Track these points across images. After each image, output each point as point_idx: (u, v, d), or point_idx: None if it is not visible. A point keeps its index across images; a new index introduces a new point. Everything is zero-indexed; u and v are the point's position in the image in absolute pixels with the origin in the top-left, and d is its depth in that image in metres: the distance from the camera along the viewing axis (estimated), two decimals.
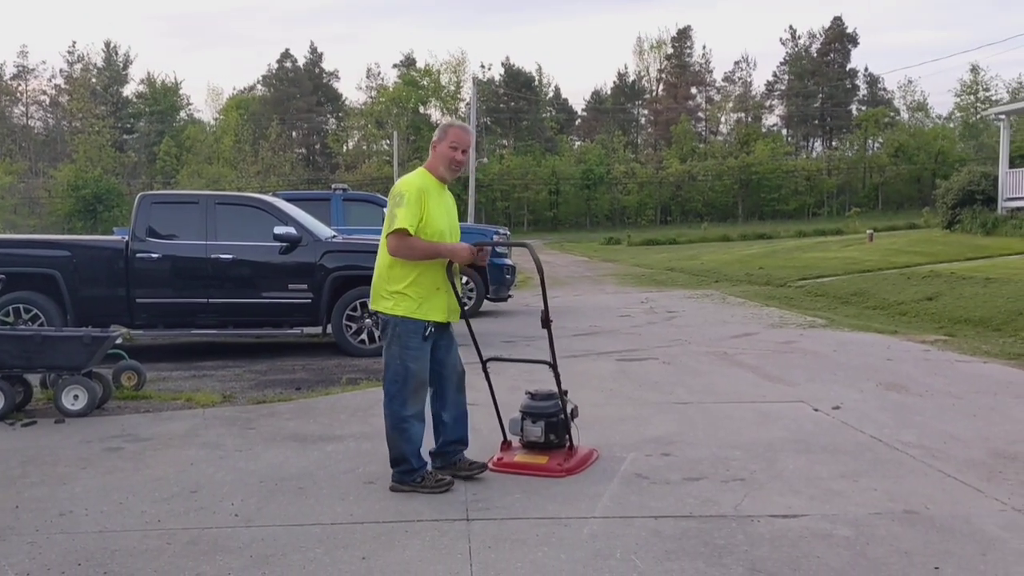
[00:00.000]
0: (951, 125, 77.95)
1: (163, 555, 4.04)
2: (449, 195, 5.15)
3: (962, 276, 15.24)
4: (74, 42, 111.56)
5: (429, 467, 5.04)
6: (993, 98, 72.27)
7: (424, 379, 4.95)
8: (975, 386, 7.70)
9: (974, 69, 76.04)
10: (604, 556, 3.95)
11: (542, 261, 5.24)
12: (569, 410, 5.36)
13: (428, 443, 5.24)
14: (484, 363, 5.39)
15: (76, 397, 6.96)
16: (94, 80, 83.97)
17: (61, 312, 9.74)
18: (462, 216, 5.08)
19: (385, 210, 15.39)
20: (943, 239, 24.27)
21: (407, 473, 4.91)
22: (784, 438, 5.98)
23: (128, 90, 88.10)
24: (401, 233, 4.76)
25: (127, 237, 10.10)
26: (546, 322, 5.00)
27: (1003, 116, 27.23)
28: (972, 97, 76.39)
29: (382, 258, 4.96)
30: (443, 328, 5.06)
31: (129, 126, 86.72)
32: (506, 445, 5.47)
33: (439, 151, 4.99)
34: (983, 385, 7.74)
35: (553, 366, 5.16)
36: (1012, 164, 26.24)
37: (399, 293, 4.87)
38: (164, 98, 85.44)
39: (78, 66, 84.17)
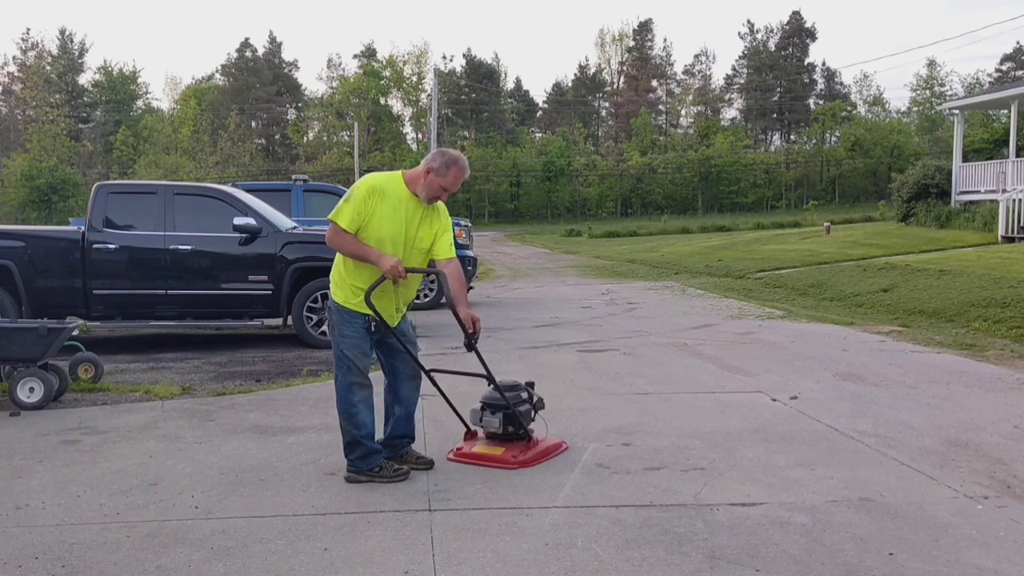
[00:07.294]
0: (907, 120, 78.91)
1: (122, 548, 4.00)
2: (420, 209, 4.89)
3: (916, 268, 15.48)
4: (28, 29, 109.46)
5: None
6: (948, 93, 73.22)
7: (363, 367, 4.92)
8: (929, 376, 7.84)
9: (931, 64, 77.24)
10: (565, 545, 3.98)
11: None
12: (534, 401, 5.39)
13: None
14: (428, 373, 5.35)
15: (32, 389, 6.87)
16: (48, 68, 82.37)
17: (16, 303, 9.58)
18: None
19: None
20: (898, 232, 24.59)
21: (363, 458, 4.92)
22: (743, 427, 6.05)
23: (84, 79, 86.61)
24: (335, 226, 4.80)
25: (83, 228, 9.96)
26: (471, 347, 5.00)
27: (957, 111, 27.59)
28: (928, 92, 77.41)
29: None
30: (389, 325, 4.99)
31: (85, 115, 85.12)
32: (470, 435, 5.49)
33: (430, 180, 4.80)
34: (936, 375, 7.89)
35: (490, 378, 5.25)
36: (965, 158, 26.63)
37: (342, 281, 4.93)
38: (121, 87, 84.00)
39: (32, 53, 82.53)
